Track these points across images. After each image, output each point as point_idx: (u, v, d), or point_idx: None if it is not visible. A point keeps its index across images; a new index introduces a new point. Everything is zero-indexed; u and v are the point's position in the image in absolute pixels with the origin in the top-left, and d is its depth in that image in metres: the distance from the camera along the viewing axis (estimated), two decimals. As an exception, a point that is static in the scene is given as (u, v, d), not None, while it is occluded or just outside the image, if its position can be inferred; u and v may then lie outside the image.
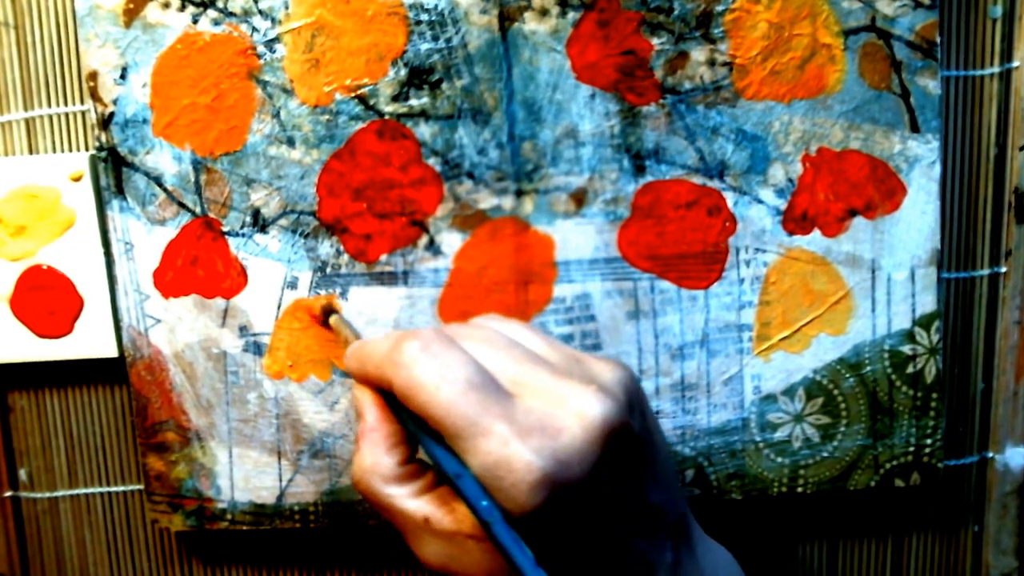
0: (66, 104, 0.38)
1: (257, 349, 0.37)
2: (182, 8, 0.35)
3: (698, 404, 0.37)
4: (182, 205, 0.36)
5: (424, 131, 0.35)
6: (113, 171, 0.36)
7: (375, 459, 0.27)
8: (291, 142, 0.35)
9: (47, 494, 0.41)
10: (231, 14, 0.35)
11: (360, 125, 0.35)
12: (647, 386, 0.36)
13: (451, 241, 0.36)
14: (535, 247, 0.36)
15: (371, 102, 0.35)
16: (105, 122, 0.35)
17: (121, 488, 0.41)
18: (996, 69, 0.37)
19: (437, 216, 0.36)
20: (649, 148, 0.35)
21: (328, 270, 0.36)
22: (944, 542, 0.40)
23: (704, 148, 0.35)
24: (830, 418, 0.37)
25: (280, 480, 0.38)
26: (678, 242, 0.36)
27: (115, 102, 0.35)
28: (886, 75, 0.35)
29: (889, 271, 0.36)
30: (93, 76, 0.35)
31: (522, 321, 0.29)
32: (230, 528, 0.38)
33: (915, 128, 0.35)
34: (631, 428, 0.25)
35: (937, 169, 0.35)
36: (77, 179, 0.36)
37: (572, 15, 0.34)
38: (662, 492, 0.26)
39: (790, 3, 0.34)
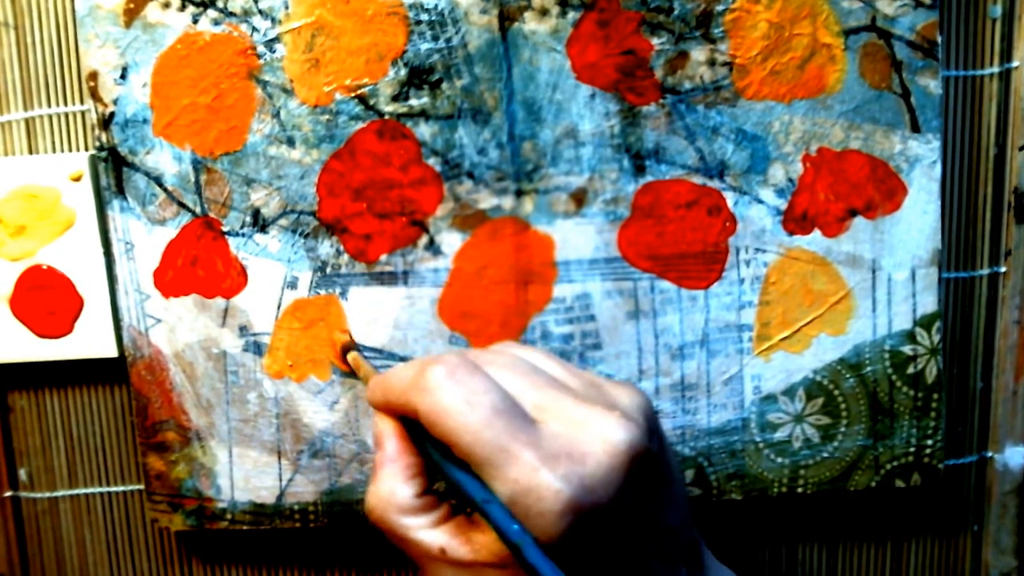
0: (66, 104, 0.38)
1: (257, 349, 0.37)
2: (182, 8, 0.35)
3: (698, 404, 0.37)
4: (182, 205, 0.36)
5: (424, 131, 0.35)
6: (113, 171, 0.36)
7: (392, 489, 0.27)
8: (291, 142, 0.35)
9: (47, 494, 0.41)
10: (231, 14, 0.35)
11: (360, 125, 0.35)
12: (647, 386, 0.36)
13: (451, 241, 0.36)
14: (535, 247, 0.36)
15: (371, 102, 0.35)
16: (105, 122, 0.35)
17: (121, 488, 0.41)
18: (996, 69, 0.37)
19: (437, 216, 0.36)
20: (649, 148, 0.35)
21: (328, 270, 0.36)
22: (944, 542, 0.40)
23: (704, 148, 0.35)
24: (830, 418, 0.37)
25: (280, 480, 0.38)
26: (678, 242, 0.36)
27: (115, 102, 0.35)
28: (886, 75, 0.35)
29: (889, 271, 0.36)
30: (93, 76, 0.35)
31: (541, 348, 0.30)
32: (230, 528, 0.38)
33: (915, 128, 0.35)
34: (652, 453, 0.25)
35: (937, 169, 0.35)
36: (77, 179, 0.36)
37: (572, 15, 0.34)
38: (677, 514, 0.27)
39: (790, 3, 0.34)
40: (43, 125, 0.38)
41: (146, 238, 0.36)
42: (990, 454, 0.39)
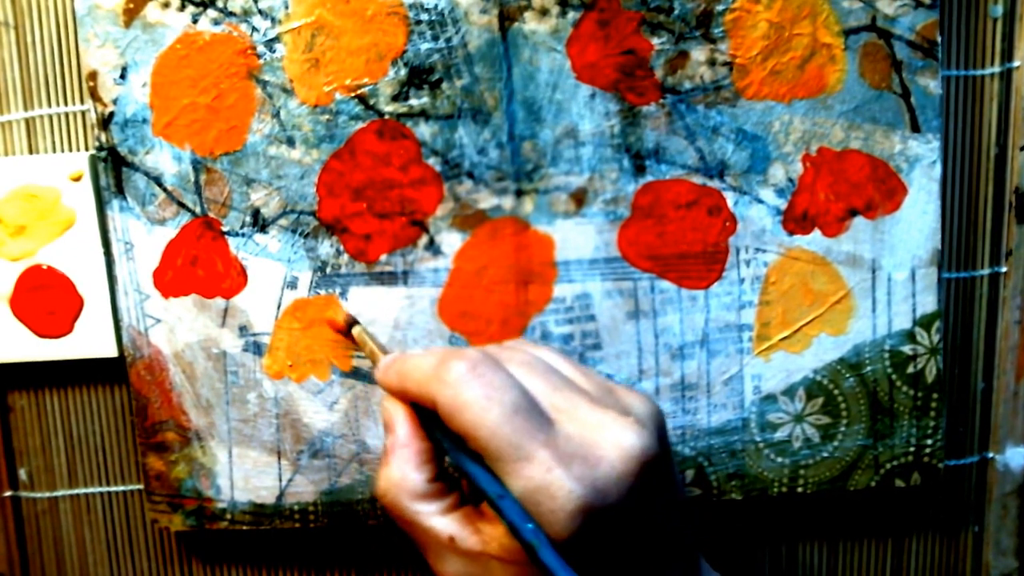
0: (66, 104, 0.38)
1: (257, 349, 0.37)
2: (182, 8, 0.35)
3: (698, 404, 0.37)
4: (182, 205, 0.36)
5: (424, 131, 0.35)
6: (113, 171, 0.36)
7: (404, 474, 0.27)
8: (291, 142, 0.35)
9: (47, 494, 0.41)
10: (231, 14, 0.35)
11: (360, 125, 0.35)
12: (647, 386, 0.36)
13: (451, 241, 0.36)
14: (535, 247, 0.36)
15: (371, 102, 0.35)
16: (105, 122, 0.35)
17: (121, 488, 0.41)
18: (997, 69, 0.37)
19: (437, 216, 0.36)
20: (649, 148, 0.35)
21: (328, 270, 0.36)
22: (944, 542, 0.40)
23: (704, 148, 0.35)
24: (830, 418, 0.37)
25: (280, 480, 0.38)
26: (678, 242, 0.36)
27: (115, 102, 0.35)
28: (886, 75, 0.35)
29: (889, 271, 0.36)
30: (93, 76, 0.35)
31: (554, 347, 0.30)
32: (230, 528, 0.38)
33: (915, 128, 0.35)
34: (661, 459, 0.26)
35: (938, 169, 0.35)
36: (77, 179, 0.36)
37: (572, 15, 0.34)
38: (679, 518, 0.27)
39: (790, 3, 0.34)
40: (43, 125, 0.38)
41: (146, 238, 0.36)
42: (991, 455, 0.39)
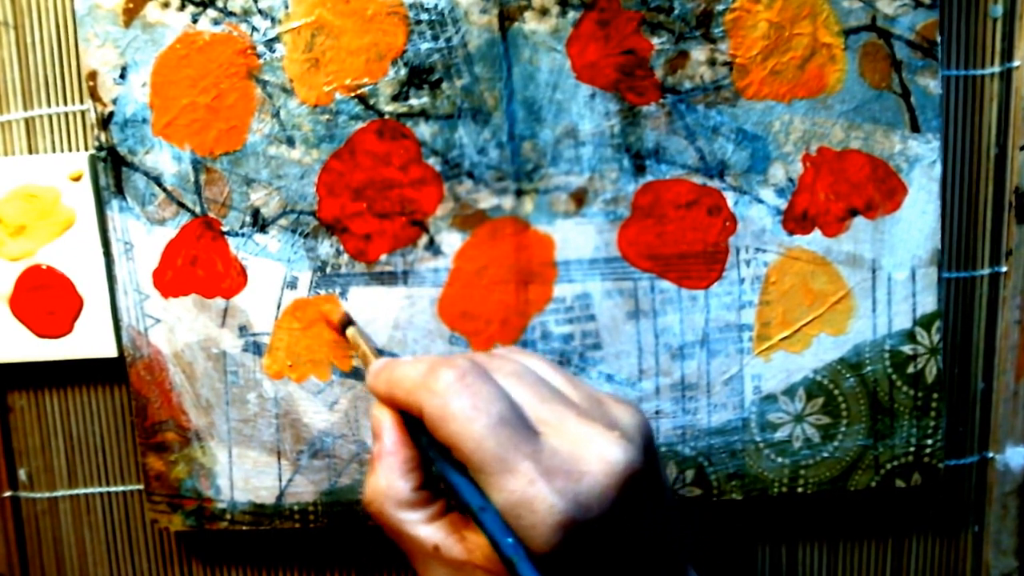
0: (66, 104, 0.38)
1: (257, 349, 0.37)
2: (182, 8, 0.35)
3: (698, 404, 0.37)
4: (182, 205, 0.36)
5: (424, 131, 0.35)
6: (113, 171, 0.36)
7: (390, 483, 0.27)
8: (291, 142, 0.35)
9: (47, 494, 0.41)
10: (231, 14, 0.35)
11: (360, 125, 0.35)
12: (647, 386, 0.36)
13: (451, 241, 0.36)
14: (535, 247, 0.36)
15: (371, 102, 0.35)
16: (105, 122, 0.35)
17: (121, 488, 0.41)
18: (996, 69, 0.37)
19: (437, 216, 0.36)
20: (649, 148, 0.35)
21: (328, 270, 0.36)
22: (944, 542, 0.40)
23: (704, 148, 0.35)
24: (830, 418, 0.37)
25: (280, 480, 0.37)
26: (678, 242, 0.36)
27: (115, 102, 0.35)
28: (886, 75, 0.35)
29: (889, 271, 0.36)
30: (93, 76, 0.35)
31: (545, 357, 0.30)
32: (230, 528, 0.38)
33: (915, 128, 0.35)
34: (647, 473, 0.25)
35: (937, 169, 0.35)
36: (77, 179, 0.36)
37: (572, 15, 0.34)
38: (667, 528, 0.27)
39: (790, 2, 0.34)
40: (43, 125, 0.38)
41: (145, 238, 0.36)
42: (991, 455, 0.39)
